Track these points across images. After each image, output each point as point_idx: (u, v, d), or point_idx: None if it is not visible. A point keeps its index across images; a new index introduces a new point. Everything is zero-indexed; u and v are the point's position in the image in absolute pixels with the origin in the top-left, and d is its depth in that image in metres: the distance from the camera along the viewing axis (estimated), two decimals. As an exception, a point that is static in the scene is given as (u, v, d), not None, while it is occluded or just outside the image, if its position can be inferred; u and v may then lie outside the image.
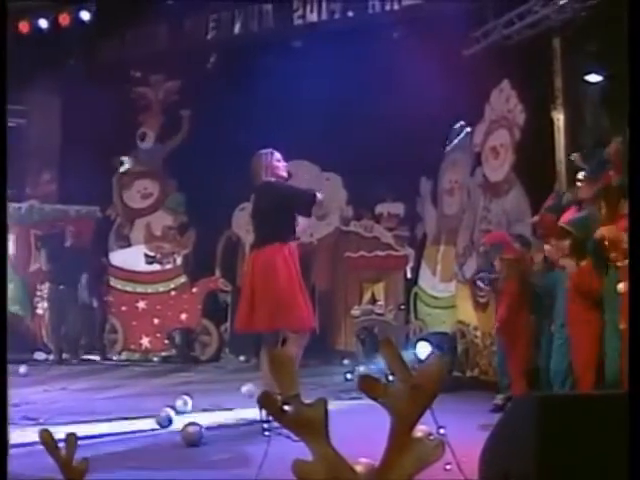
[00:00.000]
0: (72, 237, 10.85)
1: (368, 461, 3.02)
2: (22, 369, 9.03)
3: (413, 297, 9.87)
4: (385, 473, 1.77)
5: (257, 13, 10.62)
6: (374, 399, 1.77)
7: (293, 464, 1.77)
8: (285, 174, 6.05)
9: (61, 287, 10.56)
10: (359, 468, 2.70)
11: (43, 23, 11.00)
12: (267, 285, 5.51)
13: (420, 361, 7.79)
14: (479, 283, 7.20)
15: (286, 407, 1.78)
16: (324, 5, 10.17)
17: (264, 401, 1.86)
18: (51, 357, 10.77)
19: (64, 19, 10.92)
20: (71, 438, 2.36)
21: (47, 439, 2.36)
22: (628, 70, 2.76)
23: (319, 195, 5.93)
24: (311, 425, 1.77)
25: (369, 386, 1.77)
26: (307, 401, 1.78)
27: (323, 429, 1.78)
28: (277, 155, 6.03)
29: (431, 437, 1.83)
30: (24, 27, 11.04)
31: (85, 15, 10.91)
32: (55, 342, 10.73)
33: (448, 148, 9.38)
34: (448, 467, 2.02)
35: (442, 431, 1.87)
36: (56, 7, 11.01)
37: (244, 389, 6.91)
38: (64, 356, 10.60)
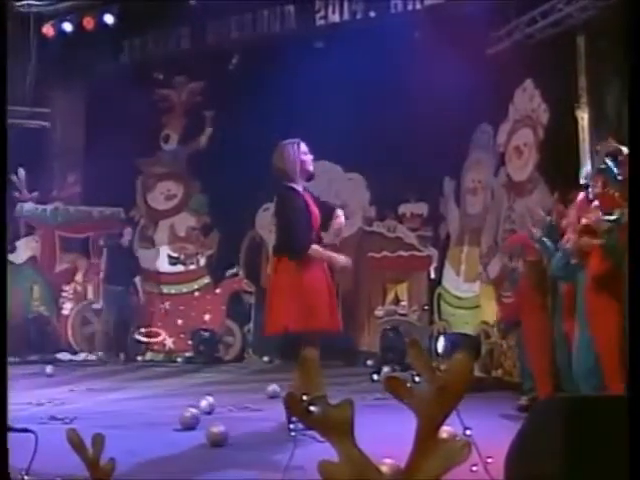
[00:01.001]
0: (127, 238, 10.96)
1: (393, 462, 3.02)
2: (48, 369, 9.10)
3: (437, 297, 9.84)
4: (411, 475, 1.77)
5: (279, 14, 10.63)
6: (400, 400, 1.77)
7: (319, 465, 1.77)
8: (312, 168, 5.73)
9: (118, 288, 10.61)
10: (384, 469, 2.70)
11: (68, 27, 11.11)
12: (292, 286, 5.44)
13: (437, 354, 7.81)
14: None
15: (312, 408, 1.78)
16: (346, 5, 10.16)
17: (289, 402, 1.87)
18: (76, 357, 10.85)
19: (88, 22, 11.02)
20: (98, 438, 2.37)
21: (74, 439, 2.37)
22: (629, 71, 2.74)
23: (338, 222, 5.59)
24: (337, 426, 1.77)
25: (395, 387, 1.77)
26: (333, 402, 1.79)
27: (349, 430, 1.78)
28: (304, 147, 5.62)
29: (457, 438, 1.82)
30: (49, 31, 11.15)
31: (109, 18, 10.99)
32: (109, 343, 10.77)
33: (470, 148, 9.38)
34: (474, 469, 2.01)
35: (468, 432, 1.86)
36: (80, 11, 11.10)
37: (269, 390, 6.92)
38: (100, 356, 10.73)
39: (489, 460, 2.19)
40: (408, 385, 1.76)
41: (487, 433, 4.05)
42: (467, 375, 1.75)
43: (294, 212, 5.49)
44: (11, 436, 2.30)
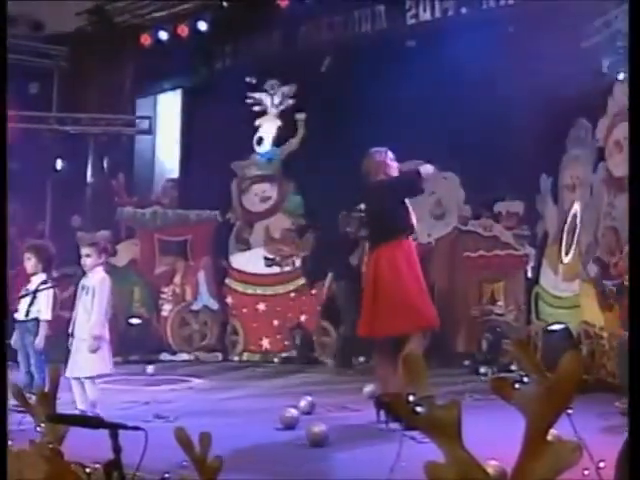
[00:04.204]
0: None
1: (497, 463, 2.98)
2: (149, 369, 9.33)
3: (534, 297, 9.65)
4: (521, 477, 1.74)
5: (370, 14, 10.62)
6: (507, 401, 1.75)
7: (425, 465, 1.77)
8: (397, 174, 6.03)
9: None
10: (489, 470, 2.67)
11: (163, 35, 11.39)
12: (390, 285, 5.44)
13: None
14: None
15: (419, 409, 1.78)
16: (437, 3, 10.07)
17: (395, 403, 1.87)
18: (175, 357, 11.09)
19: (182, 30, 11.27)
20: (205, 437, 2.42)
21: (182, 437, 2.43)
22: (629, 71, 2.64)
23: (423, 170, 6.01)
24: (444, 427, 1.76)
25: (502, 388, 1.75)
26: (439, 403, 1.78)
27: (456, 431, 1.76)
28: (390, 154, 6.03)
29: (566, 441, 1.78)
30: (145, 40, 11.47)
31: (202, 25, 11.22)
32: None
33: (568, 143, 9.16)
34: (586, 472, 1.96)
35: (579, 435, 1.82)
36: (175, 19, 11.37)
37: (366, 390, 6.91)
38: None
39: (601, 464, 2.14)
40: (516, 386, 1.73)
41: (594, 436, 3.96)
42: (577, 375, 1.71)
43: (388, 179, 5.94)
44: (123, 434, 2.38)
